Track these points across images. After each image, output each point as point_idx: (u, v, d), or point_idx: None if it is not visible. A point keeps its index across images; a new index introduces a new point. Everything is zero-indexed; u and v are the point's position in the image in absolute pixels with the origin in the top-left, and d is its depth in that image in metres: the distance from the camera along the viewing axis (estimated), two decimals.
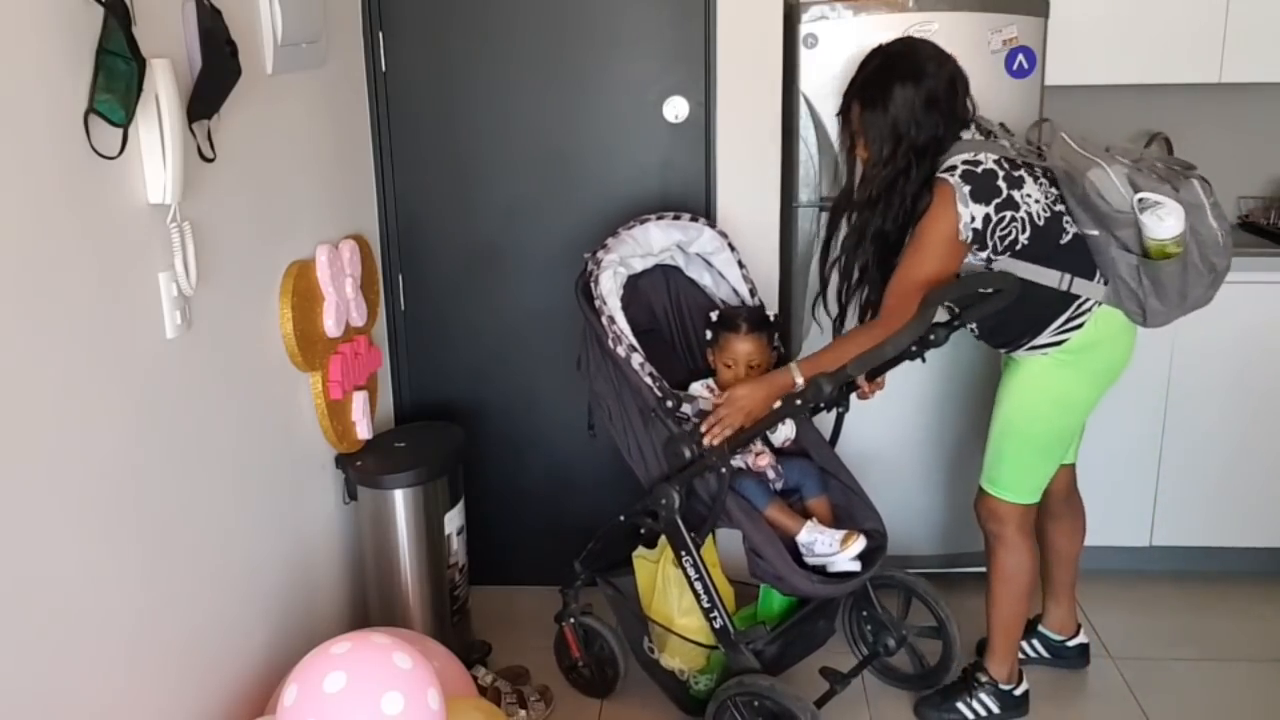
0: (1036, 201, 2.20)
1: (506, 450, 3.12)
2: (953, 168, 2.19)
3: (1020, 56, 2.76)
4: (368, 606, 2.68)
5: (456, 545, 2.71)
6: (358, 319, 2.55)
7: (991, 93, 2.77)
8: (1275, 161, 3.40)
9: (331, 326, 2.41)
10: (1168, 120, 3.22)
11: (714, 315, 2.54)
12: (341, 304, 2.46)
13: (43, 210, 1.50)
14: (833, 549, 2.29)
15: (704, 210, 2.91)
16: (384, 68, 2.88)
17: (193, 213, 1.85)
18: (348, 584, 2.67)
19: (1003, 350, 2.43)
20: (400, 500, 2.57)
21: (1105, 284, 2.23)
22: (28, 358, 1.47)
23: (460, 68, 2.88)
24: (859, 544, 2.29)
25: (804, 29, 2.75)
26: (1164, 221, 2.08)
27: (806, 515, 2.39)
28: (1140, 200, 2.10)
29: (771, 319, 2.56)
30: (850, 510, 2.46)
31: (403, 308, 3.04)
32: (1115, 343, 2.30)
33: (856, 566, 2.30)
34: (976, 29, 2.74)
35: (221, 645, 2.01)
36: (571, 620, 2.66)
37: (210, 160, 1.90)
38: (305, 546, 2.42)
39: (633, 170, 2.92)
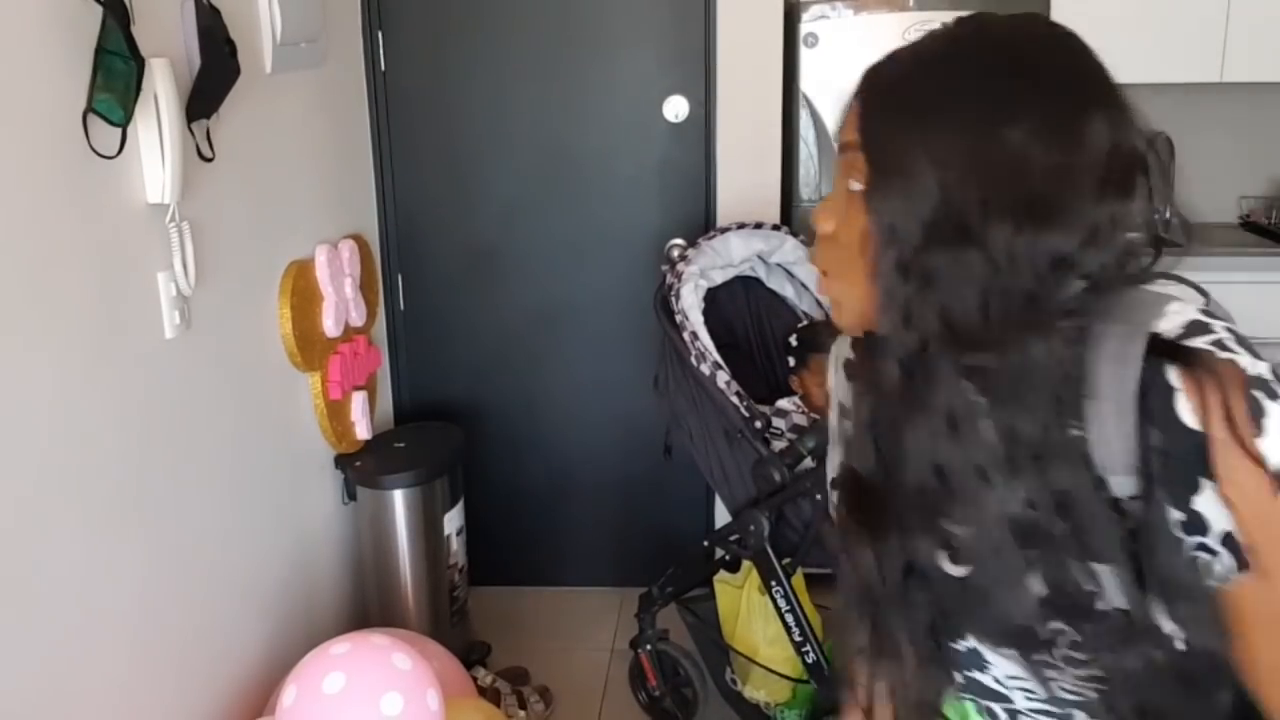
0: None
1: (506, 450, 3.11)
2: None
3: None
4: (367, 607, 2.68)
5: (456, 546, 2.71)
6: (357, 319, 2.54)
7: None
8: (1275, 161, 3.39)
9: (331, 326, 2.41)
10: (1168, 120, 3.13)
11: (794, 340, 2.40)
12: (341, 304, 2.45)
13: (41, 210, 1.50)
14: None
15: (704, 210, 2.91)
16: (383, 67, 2.88)
17: (192, 212, 1.85)
18: (347, 584, 2.66)
19: None
20: (400, 500, 2.57)
21: None
22: (27, 358, 1.47)
23: (460, 67, 2.87)
24: None
25: (804, 28, 2.75)
26: None
27: None
28: None
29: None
30: None
31: (402, 308, 3.04)
32: None
33: None
34: None
35: (220, 645, 2.01)
36: (648, 647, 2.55)
37: (209, 160, 1.90)
38: (305, 547, 2.42)
39: (633, 170, 2.92)
